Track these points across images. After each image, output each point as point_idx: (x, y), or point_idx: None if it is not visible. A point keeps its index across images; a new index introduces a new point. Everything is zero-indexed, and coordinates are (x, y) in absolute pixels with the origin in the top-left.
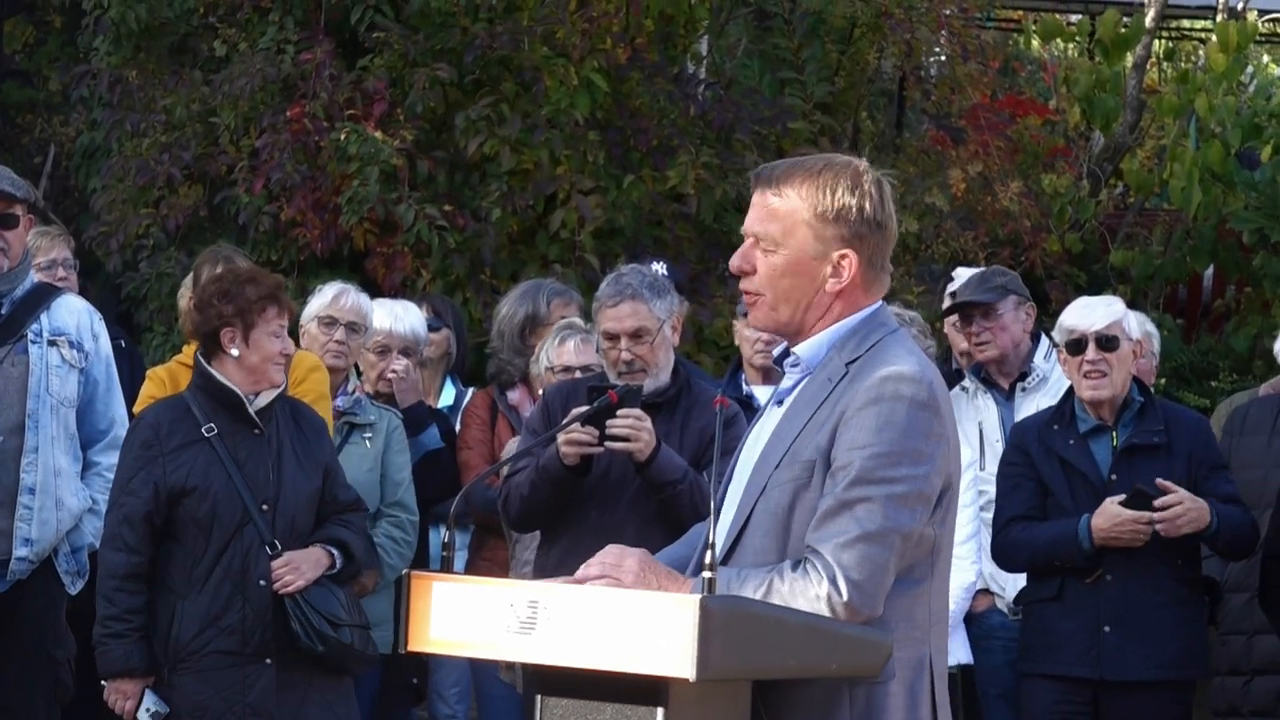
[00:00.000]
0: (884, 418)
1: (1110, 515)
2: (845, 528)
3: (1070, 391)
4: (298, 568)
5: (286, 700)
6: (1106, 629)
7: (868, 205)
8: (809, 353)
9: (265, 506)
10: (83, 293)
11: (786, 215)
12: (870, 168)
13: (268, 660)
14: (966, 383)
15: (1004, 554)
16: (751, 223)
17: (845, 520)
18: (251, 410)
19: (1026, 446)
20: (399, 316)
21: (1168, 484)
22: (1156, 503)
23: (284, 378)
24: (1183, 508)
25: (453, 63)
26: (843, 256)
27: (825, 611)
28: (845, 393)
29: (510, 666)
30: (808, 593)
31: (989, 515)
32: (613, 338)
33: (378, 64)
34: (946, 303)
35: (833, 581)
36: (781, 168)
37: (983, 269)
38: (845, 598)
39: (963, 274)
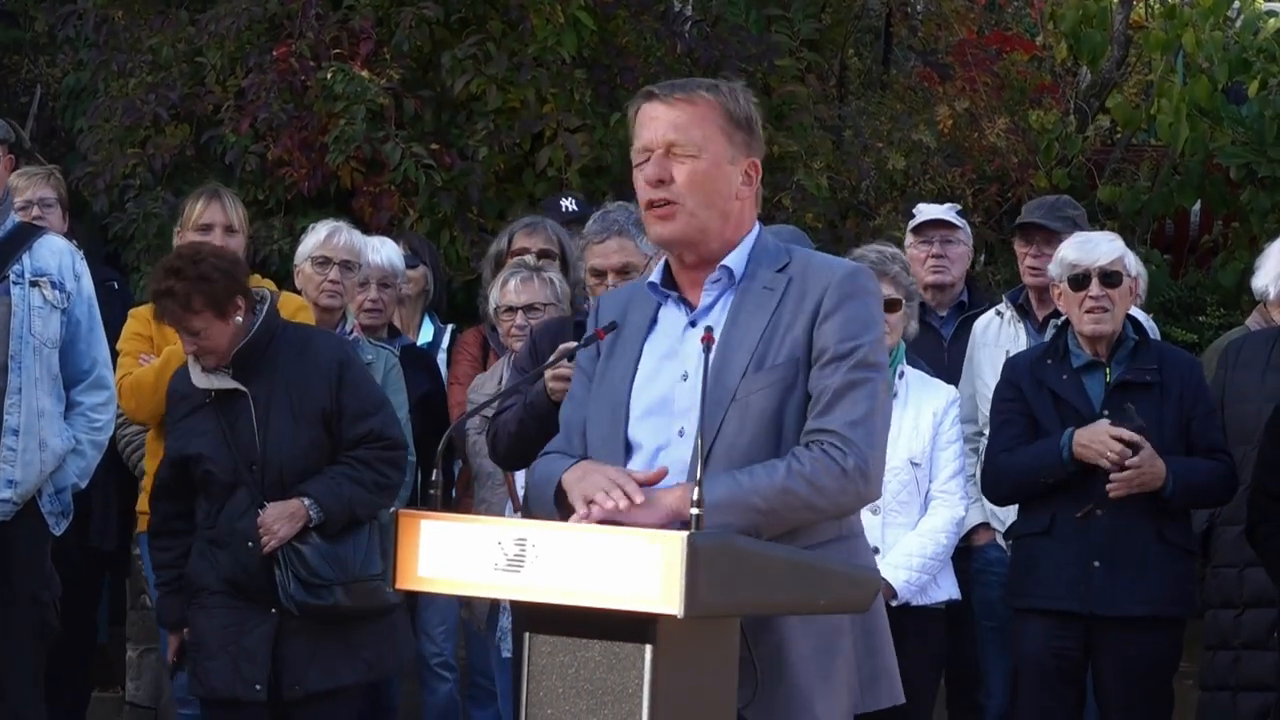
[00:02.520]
0: (865, 310)
1: (1093, 429)
2: (855, 408)
3: (1064, 326)
4: (270, 527)
5: (294, 649)
6: (1096, 564)
7: (759, 120)
8: (735, 263)
9: (254, 467)
10: (69, 233)
11: (702, 121)
12: None
13: (273, 610)
14: (1002, 308)
15: (991, 482)
16: (663, 132)
17: (853, 401)
18: (213, 383)
19: (1018, 381)
20: (375, 248)
21: (1142, 436)
22: (1127, 462)
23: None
24: (1138, 473)
25: (439, 1)
26: (752, 164)
27: (853, 485)
28: (807, 292)
29: (469, 604)
30: (831, 469)
31: None
32: (599, 274)
33: (364, 3)
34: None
35: (857, 455)
36: (681, 83)
37: (1055, 197)
38: (868, 471)
39: (924, 209)
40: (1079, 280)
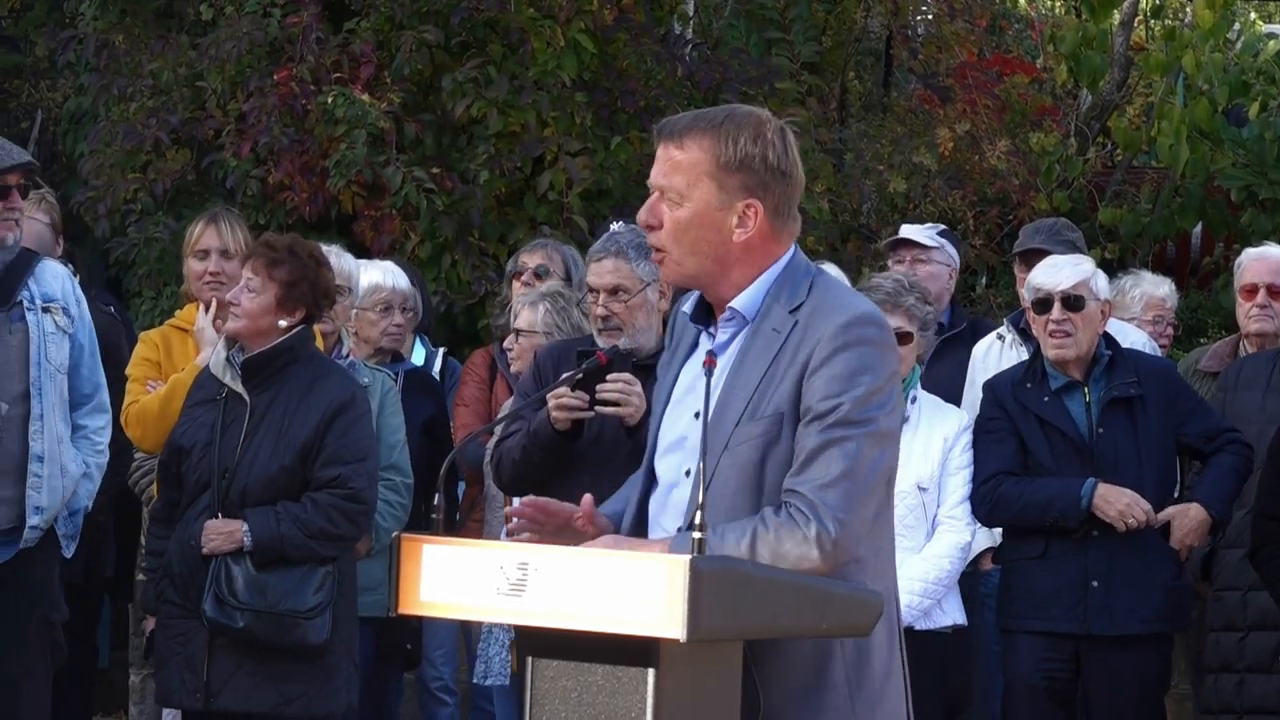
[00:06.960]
0: (855, 362)
1: (1119, 493)
2: (827, 469)
3: (1039, 349)
4: (209, 536)
5: (221, 663)
6: (1094, 584)
7: (770, 154)
8: (745, 304)
9: (225, 475)
10: (70, 258)
11: (690, 167)
12: (772, 117)
13: (205, 619)
14: (1003, 331)
15: (991, 507)
16: (656, 176)
17: (826, 462)
18: (230, 370)
19: (1002, 402)
20: (393, 272)
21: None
22: (1173, 542)
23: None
24: (1187, 536)
25: (439, 25)
26: (748, 206)
27: (814, 552)
28: (804, 341)
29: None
30: (794, 535)
31: None
32: (594, 292)
33: (364, 27)
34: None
35: (820, 521)
36: (684, 120)
37: (1053, 220)
38: (834, 536)
39: (907, 230)
40: (1042, 305)
